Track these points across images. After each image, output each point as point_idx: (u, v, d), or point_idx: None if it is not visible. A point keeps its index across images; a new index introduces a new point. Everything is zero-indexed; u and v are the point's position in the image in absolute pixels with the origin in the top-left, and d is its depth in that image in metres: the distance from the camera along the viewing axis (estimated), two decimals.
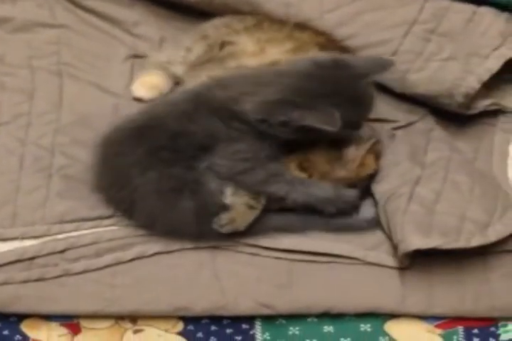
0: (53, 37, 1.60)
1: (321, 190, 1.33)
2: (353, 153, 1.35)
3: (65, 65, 1.57)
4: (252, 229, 1.33)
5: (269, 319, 1.32)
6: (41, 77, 1.54)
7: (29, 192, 1.39)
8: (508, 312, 1.32)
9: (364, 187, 1.38)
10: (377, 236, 1.36)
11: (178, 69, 1.53)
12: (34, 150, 1.44)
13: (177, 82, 1.54)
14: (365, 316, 1.32)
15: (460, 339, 1.32)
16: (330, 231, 1.36)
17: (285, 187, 1.31)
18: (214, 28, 1.53)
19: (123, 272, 1.32)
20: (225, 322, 1.33)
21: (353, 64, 1.31)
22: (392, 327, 1.33)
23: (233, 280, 1.32)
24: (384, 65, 1.33)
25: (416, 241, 1.27)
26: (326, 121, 1.24)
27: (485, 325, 1.33)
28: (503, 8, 1.49)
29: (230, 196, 1.31)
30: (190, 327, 1.32)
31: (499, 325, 1.33)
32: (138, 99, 1.52)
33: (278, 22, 1.49)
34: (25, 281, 1.30)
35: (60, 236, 1.35)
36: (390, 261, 1.33)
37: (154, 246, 1.33)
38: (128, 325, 1.32)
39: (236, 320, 1.32)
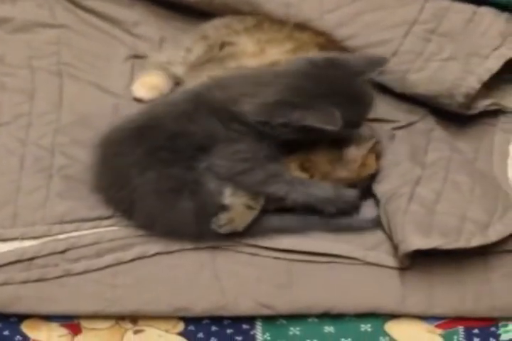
0: (53, 37, 1.60)
1: (320, 190, 1.33)
2: (354, 153, 1.35)
3: (65, 65, 1.57)
4: (252, 230, 1.33)
5: (269, 319, 1.32)
6: (41, 77, 1.54)
7: (29, 192, 1.39)
8: (509, 312, 1.32)
9: (365, 187, 1.38)
10: (378, 236, 1.36)
11: (178, 70, 1.53)
12: (34, 151, 1.44)
13: (177, 82, 1.54)
14: (365, 316, 1.32)
15: (460, 339, 1.32)
16: (330, 231, 1.36)
17: (285, 188, 1.31)
18: (214, 28, 1.53)
19: (123, 272, 1.32)
20: (225, 322, 1.33)
21: (348, 62, 1.31)
22: (392, 327, 1.33)
23: (233, 280, 1.32)
24: (378, 61, 1.33)
25: (416, 242, 1.27)
26: (327, 121, 1.24)
27: (485, 325, 1.33)
28: (503, 8, 1.49)
29: (229, 196, 1.31)
30: (191, 328, 1.32)
31: (500, 325, 1.33)
32: (138, 100, 1.52)
33: (278, 22, 1.49)
34: (25, 282, 1.30)
35: (60, 237, 1.34)
36: (390, 261, 1.33)
37: (154, 246, 1.33)
38: (128, 325, 1.32)
39: (236, 321, 1.32)
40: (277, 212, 1.35)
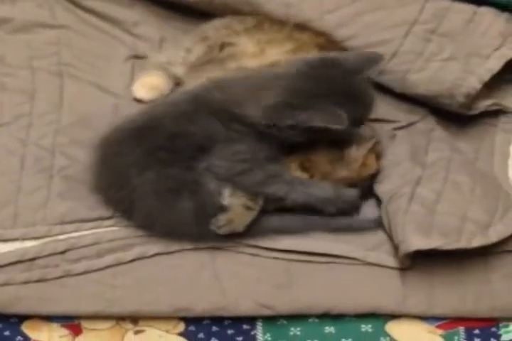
0: (53, 37, 1.60)
1: (320, 190, 1.33)
2: (355, 153, 1.35)
3: (65, 65, 1.57)
4: (252, 230, 1.33)
5: (270, 319, 1.32)
6: (41, 77, 1.54)
7: (30, 192, 1.39)
8: (509, 312, 1.32)
9: (366, 187, 1.38)
10: (378, 236, 1.36)
11: (179, 70, 1.53)
12: (35, 151, 1.44)
13: (177, 82, 1.54)
14: (366, 317, 1.32)
15: (461, 339, 1.32)
16: (330, 231, 1.36)
17: (284, 188, 1.31)
18: (214, 29, 1.53)
19: (124, 273, 1.32)
20: (226, 322, 1.32)
21: (344, 61, 1.31)
22: (393, 327, 1.33)
23: (233, 280, 1.32)
24: (375, 59, 1.33)
25: (417, 242, 1.27)
26: (333, 120, 1.24)
27: (486, 325, 1.33)
28: (503, 8, 1.49)
29: (228, 197, 1.31)
30: (192, 328, 1.32)
31: (500, 325, 1.33)
32: (138, 100, 1.52)
33: (278, 23, 1.49)
34: (26, 282, 1.30)
35: (60, 237, 1.34)
36: (391, 261, 1.33)
37: (154, 246, 1.33)
38: (129, 325, 1.32)
39: (237, 321, 1.32)
40: (277, 212, 1.35)
